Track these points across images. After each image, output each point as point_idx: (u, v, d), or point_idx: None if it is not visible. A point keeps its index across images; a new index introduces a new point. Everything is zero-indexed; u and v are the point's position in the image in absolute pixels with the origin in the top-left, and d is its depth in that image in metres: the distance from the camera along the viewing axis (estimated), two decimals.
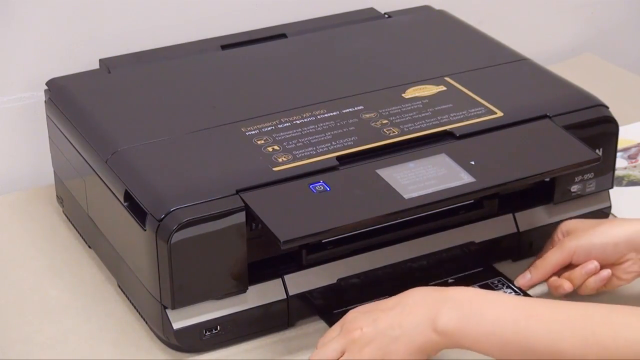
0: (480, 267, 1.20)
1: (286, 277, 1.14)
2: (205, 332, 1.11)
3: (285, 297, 1.14)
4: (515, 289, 1.16)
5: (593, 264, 1.14)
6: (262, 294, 1.13)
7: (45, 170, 1.38)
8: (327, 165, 1.13)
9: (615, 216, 1.31)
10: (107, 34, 1.44)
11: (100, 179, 1.16)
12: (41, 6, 1.39)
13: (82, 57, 1.41)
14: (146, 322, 1.16)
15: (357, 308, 1.06)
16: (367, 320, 1.03)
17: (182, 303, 1.09)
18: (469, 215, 1.21)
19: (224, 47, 1.39)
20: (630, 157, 1.44)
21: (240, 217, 1.08)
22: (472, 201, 1.21)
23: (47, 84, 1.32)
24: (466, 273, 1.19)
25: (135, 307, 1.18)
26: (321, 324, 1.16)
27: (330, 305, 1.15)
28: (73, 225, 1.32)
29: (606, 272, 1.14)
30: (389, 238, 1.18)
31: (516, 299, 1.01)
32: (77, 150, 1.22)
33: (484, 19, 1.61)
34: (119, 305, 1.20)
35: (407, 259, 1.19)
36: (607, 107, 1.25)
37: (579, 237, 1.15)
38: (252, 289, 1.12)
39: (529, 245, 1.25)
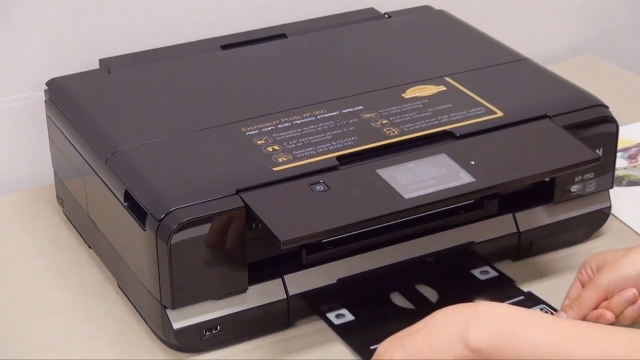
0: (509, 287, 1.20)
1: (286, 277, 1.14)
2: (205, 332, 1.11)
3: (285, 297, 1.14)
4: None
5: (631, 292, 1.11)
6: (262, 294, 1.13)
7: (45, 170, 1.38)
8: (327, 165, 1.13)
9: (615, 216, 1.32)
10: (107, 34, 1.44)
11: (100, 179, 1.17)
12: (41, 6, 1.39)
13: (82, 57, 1.41)
14: (146, 322, 1.16)
15: (387, 339, 1.04)
16: (398, 348, 1.01)
17: (182, 303, 1.09)
18: (469, 215, 1.21)
19: (224, 47, 1.39)
20: (630, 157, 1.44)
21: (240, 217, 1.08)
22: (472, 201, 1.21)
23: (47, 84, 1.32)
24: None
25: (135, 307, 1.18)
26: (321, 323, 1.16)
27: (330, 305, 1.16)
28: (73, 225, 1.32)
29: (636, 297, 1.12)
30: (389, 238, 1.18)
31: (550, 318, 0.99)
32: (77, 150, 1.22)
33: (484, 19, 1.61)
34: (119, 305, 1.20)
35: (407, 259, 1.18)
36: (607, 107, 1.25)
37: (610, 271, 1.12)
38: (252, 289, 1.12)
39: (529, 245, 1.25)
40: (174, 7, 1.47)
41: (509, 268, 1.25)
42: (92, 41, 1.43)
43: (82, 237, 1.30)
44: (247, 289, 1.12)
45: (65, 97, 1.28)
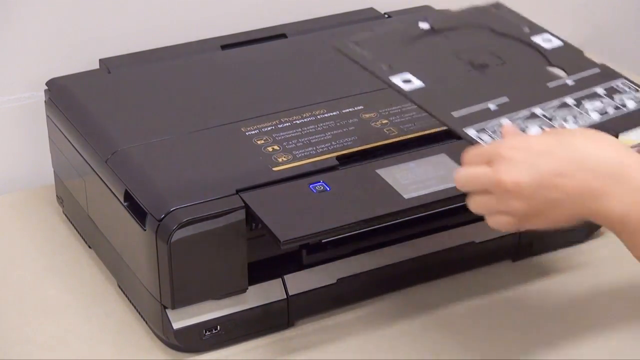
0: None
1: (286, 277, 1.14)
2: (205, 332, 1.11)
3: (285, 297, 1.14)
4: None
5: None
6: (262, 294, 1.13)
7: (45, 170, 1.38)
8: (327, 165, 1.13)
9: None
10: (107, 34, 1.44)
11: (100, 179, 1.17)
12: (41, 6, 1.39)
13: (82, 57, 1.41)
14: (146, 322, 1.16)
15: (514, 144, 0.94)
16: (527, 174, 0.92)
17: (182, 303, 1.09)
18: (469, 215, 1.21)
19: (224, 47, 1.39)
20: None
21: (240, 217, 1.08)
22: None
23: (47, 84, 1.32)
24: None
25: (135, 307, 1.18)
26: (321, 324, 1.16)
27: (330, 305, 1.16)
28: (73, 225, 1.32)
29: None
30: (389, 238, 1.18)
31: None
32: (77, 150, 1.22)
33: None
34: (119, 305, 1.20)
35: (407, 258, 1.19)
36: None
37: None
38: (252, 289, 1.12)
39: (529, 245, 1.25)
40: (174, 7, 1.47)
41: (509, 268, 1.25)
42: (92, 41, 1.43)
43: (82, 237, 1.30)
44: (247, 289, 1.12)
45: (65, 97, 1.28)
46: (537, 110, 1.04)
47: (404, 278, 1.20)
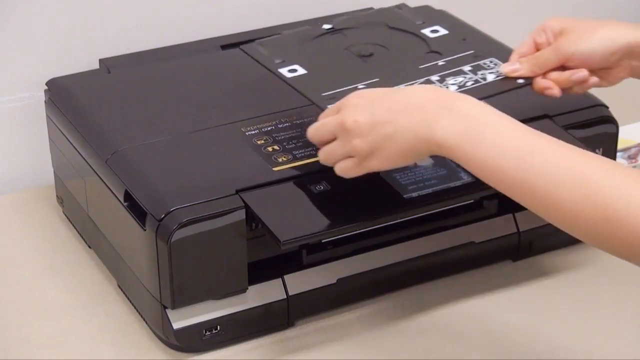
0: None
1: (286, 277, 1.14)
2: (205, 332, 1.11)
3: (285, 297, 1.14)
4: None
5: (584, 73, 1.11)
6: (262, 293, 1.13)
7: (45, 170, 1.38)
8: (327, 165, 1.13)
9: None
10: (107, 34, 1.44)
11: (100, 179, 1.16)
12: (41, 6, 1.39)
13: (82, 57, 1.41)
14: (146, 322, 1.16)
15: (359, 93, 1.05)
16: (365, 113, 1.02)
17: (182, 303, 1.09)
18: (469, 215, 1.21)
19: (224, 47, 1.39)
20: (630, 157, 1.44)
21: (240, 217, 1.08)
22: (472, 201, 1.21)
23: (47, 84, 1.32)
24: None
25: (135, 307, 1.18)
26: (321, 323, 1.16)
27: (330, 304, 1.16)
28: (73, 225, 1.32)
29: (593, 80, 1.12)
30: (389, 238, 1.18)
31: (520, 128, 0.97)
32: (77, 150, 1.22)
33: (484, 19, 1.61)
34: (119, 305, 1.20)
35: (407, 258, 1.18)
36: (607, 107, 1.25)
37: (577, 42, 1.11)
38: (252, 288, 1.12)
39: (529, 245, 1.25)
40: (173, 7, 1.47)
41: (509, 268, 1.25)
42: (92, 41, 1.43)
43: (82, 237, 1.30)
44: (247, 289, 1.12)
45: (65, 97, 1.28)
46: (401, 87, 1.11)
47: (404, 278, 1.20)
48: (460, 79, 1.16)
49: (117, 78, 1.32)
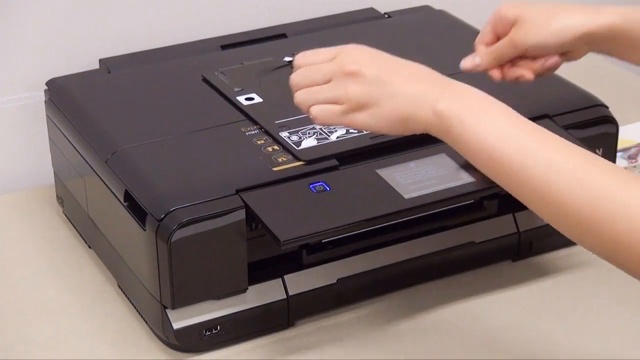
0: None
1: (286, 277, 1.14)
2: (205, 332, 1.11)
3: (285, 297, 1.14)
4: None
5: (555, 59, 1.11)
6: (262, 294, 1.13)
7: (45, 170, 1.38)
8: (327, 165, 1.13)
9: None
10: (107, 34, 1.44)
11: (100, 179, 1.17)
12: (41, 6, 1.39)
13: (82, 57, 1.41)
14: (146, 322, 1.16)
15: (359, 46, 1.01)
16: (370, 64, 0.98)
17: (182, 303, 1.09)
18: (469, 215, 1.21)
19: (224, 47, 1.39)
20: (630, 157, 1.44)
21: (240, 217, 1.08)
22: (472, 201, 1.21)
23: (47, 84, 1.32)
24: None
25: (135, 307, 1.18)
26: (321, 323, 1.16)
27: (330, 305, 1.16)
28: (73, 225, 1.32)
29: (560, 61, 1.12)
30: (389, 238, 1.18)
31: (524, 120, 0.96)
32: (77, 150, 1.22)
33: (484, 19, 1.61)
34: (119, 305, 1.20)
35: (407, 258, 1.18)
36: (607, 107, 1.25)
37: (531, 34, 1.10)
38: (252, 288, 1.12)
39: (529, 245, 1.25)
40: (173, 7, 1.47)
41: (509, 268, 1.25)
42: (92, 41, 1.43)
43: (82, 237, 1.30)
44: (247, 289, 1.12)
45: (65, 97, 1.28)
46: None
47: (404, 278, 1.20)
48: None
49: (117, 78, 1.32)
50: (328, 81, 0.99)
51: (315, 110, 1.00)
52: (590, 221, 0.90)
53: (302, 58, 1.03)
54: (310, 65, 1.01)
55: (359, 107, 0.98)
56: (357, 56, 0.99)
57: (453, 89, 0.97)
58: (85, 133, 1.21)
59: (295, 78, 1.02)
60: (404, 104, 0.97)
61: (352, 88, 0.98)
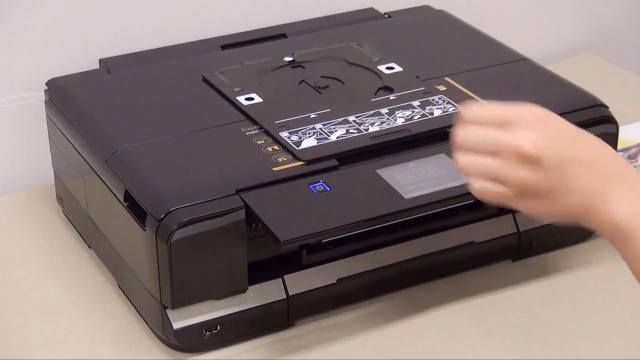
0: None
1: (286, 277, 1.14)
2: (205, 332, 1.11)
3: (285, 297, 1.14)
4: None
5: None
6: (262, 294, 1.13)
7: (45, 170, 1.38)
8: (327, 165, 1.13)
9: None
10: (107, 34, 1.44)
11: (100, 179, 1.17)
12: (41, 6, 1.39)
13: (82, 57, 1.41)
14: (146, 322, 1.16)
15: (540, 115, 0.87)
16: (550, 146, 0.84)
17: (182, 303, 1.09)
18: (469, 215, 1.21)
19: (224, 47, 1.39)
20: (630, 157, 1.44)
21: (240, 217, 1.08)
22: (472, 201, 1.21)
23: (47, 84, 1.32)
24: None
25: (135, 307, 1.18)
26: (321, 324, 1.16)
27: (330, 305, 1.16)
28: (73, 225, 1.32)
29: None
30: (389, 238, 1.18)
31: None
32: (77, 150, 1.22)
33: (484, 19, 1.61)
34: (119, 305, 1.20)
35: (407, 258, 1.18)
36: (607, 107, 1.25)
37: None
38: (252, 288, 1.12)
39: (529, 245, 1.25)
40: (173, 7, 1.47)
41: (509, 268, 1.25)
42: (92, 41, 1.43)
43: (82, 237, 1.30)
44: (247, 289, 1.12)
45: (65, 97, 1.28)
46: (350, 118, 1.19)
47: (404, 278, 1.20)
48: (407, 112, 1.20)
49: (117, 78, 1.32)
50: (496, 153, 0.87)
51: (477, 186, 0.89)
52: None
53: (471, 113, 0.89)
54: (481, 129, 0.88)
55: (529, 195, 0.86)
56: (535, 134, 0.86)
57: (625, 185, 0.84)
58: (85, 133, 1.21)
59: (461, 135, 0.89)
60: (579, 199, 0.85)
61: (523, 175, 0.85)
